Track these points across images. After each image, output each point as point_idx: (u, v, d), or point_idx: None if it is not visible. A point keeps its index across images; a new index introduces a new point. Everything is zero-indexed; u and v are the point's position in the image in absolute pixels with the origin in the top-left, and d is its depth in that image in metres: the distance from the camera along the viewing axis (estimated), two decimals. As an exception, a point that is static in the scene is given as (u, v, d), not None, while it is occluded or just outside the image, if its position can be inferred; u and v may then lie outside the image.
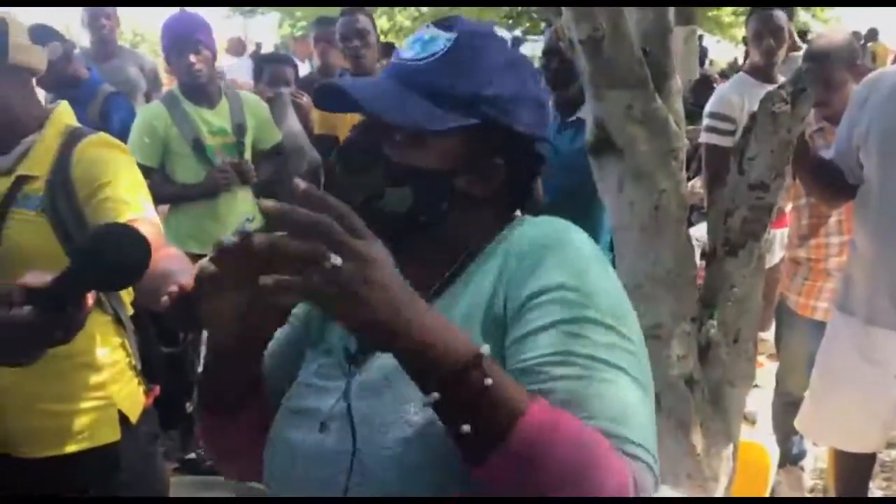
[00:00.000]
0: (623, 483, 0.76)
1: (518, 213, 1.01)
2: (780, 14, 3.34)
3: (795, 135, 2.03)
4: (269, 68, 3.75)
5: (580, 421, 0.77)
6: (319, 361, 0.99)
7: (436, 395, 0.74)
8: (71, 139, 1.60)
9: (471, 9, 14.70)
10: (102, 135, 1.65)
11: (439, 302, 0.92)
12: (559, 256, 0.87)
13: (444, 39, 0.93)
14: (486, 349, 0.75)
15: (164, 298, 1.00)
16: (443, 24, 0.95)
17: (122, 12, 4.48)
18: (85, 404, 1.61)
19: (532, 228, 0.95)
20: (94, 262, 0.90)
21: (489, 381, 0.73)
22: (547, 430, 0.74)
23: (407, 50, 0.95)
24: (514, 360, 0.84)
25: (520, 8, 14.41)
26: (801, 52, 3.31)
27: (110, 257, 0.90)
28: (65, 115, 1.67)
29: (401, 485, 0.83)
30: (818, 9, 17.81)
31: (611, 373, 0.81)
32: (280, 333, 1.06)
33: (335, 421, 0.90)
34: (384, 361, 0.89)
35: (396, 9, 16.73)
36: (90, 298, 0.97)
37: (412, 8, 17.56)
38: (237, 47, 11.89)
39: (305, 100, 3.58)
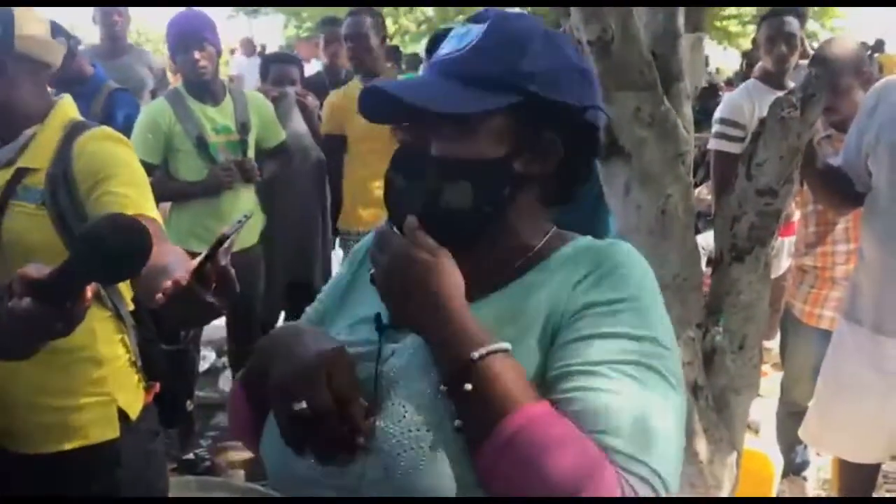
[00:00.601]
0: (607, 493, 0.76)
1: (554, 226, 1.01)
2: (792, 20, 3.32)
3: (804, 141, 2.01)
4: (275, 68, 3.75)
5: (577, 432, 0.79)
6: (346, 335, 0.99)
7: (443, 387, 0.84)
8: (73, 132, 1.58)
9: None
10: (104, 128, 1.63)
11: (495, 297, 0.93)
12: (623, 275, 0.90)
13: (476, 29, 0.94)
14: (485, 350, 0.82)
15: (159, 295, 0.99)
16: (475, 18, 0.97)
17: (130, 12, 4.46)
18: (84, 400, 1.60)
19: (603, 246, 0.95)
20: (95, 253, 0.89)
21: (468, 386, 0.81)
22: (529, 433, 0.78)
23: (444, 47, 0.96)
24: (556, 363, 0.86)
25: (528, 10, 14.43)
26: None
27: (112, 248, 0.88)
28: (68, 107, 1.66)
29: (419, 475, 0.82)
30: (826, 18, 17.86)
31: (645, 392, 0.82)
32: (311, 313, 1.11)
33: (364, 397, 0.89)
34: (415, 345, 0.91)
35: (401, 11, 16.75)
36: (90, 291, 0.96)
37: (418, 11, 17.58)
38: (248, 48, 11.98)
39: (310, 99, 3.57)
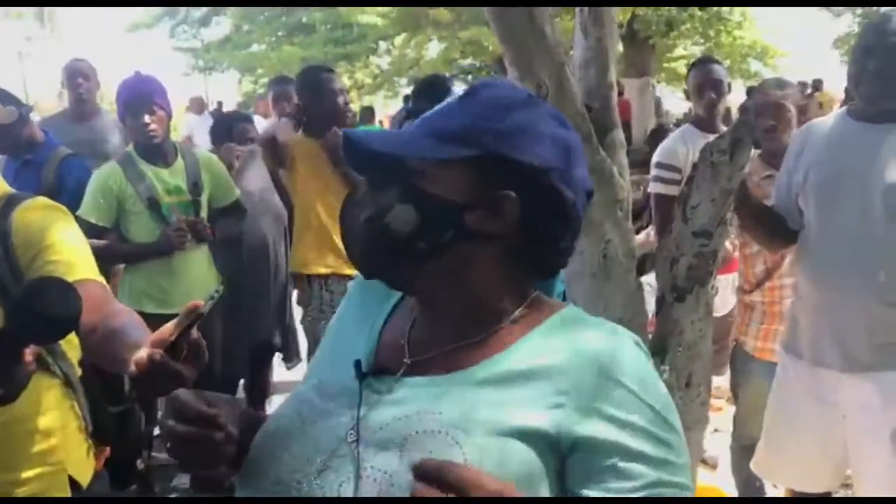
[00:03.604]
0: None
1: (538, 291, 1.02)
2: (719, 68, 3.49)
3: (736, 183, 2.09)
4: (237, 126, 3.82)
5: None
6: (324, 377, 1.01)
7: None
8: (7, 205, 1.57)
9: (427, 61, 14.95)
10: (40, 198, 1.63)
11: (474, 372, 0.92)
12: (633, 376, 0.90)
13: (455, 96, 1.00)
14: None
15: (132, 368, 1.02)
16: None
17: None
18: (34, 471, 1.57)
19: (591, 333, 0.95)
20: (23, 315, 0.92)
21: None
22: None
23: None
24: (601, 484, 0.85)
25: (478, 63, 14.76)
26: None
27: (39, 309, 0.91)
28: None
29: None
30: (768, 57, 18.44)
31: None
32: None
33: (337, 462, 0.89)
34: (403, 410, 0.90)
35: (357, 65, 16.98)
36: (29, 355, 0.98)
37: (373, 65, 17.85)
38: (198, 106, 12.02)
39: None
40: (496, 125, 0.94)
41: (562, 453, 0.87)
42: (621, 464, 0.85)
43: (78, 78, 4.18)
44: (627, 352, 0.93)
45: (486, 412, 0.87)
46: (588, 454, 0.86)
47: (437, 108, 1.00)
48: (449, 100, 1.01)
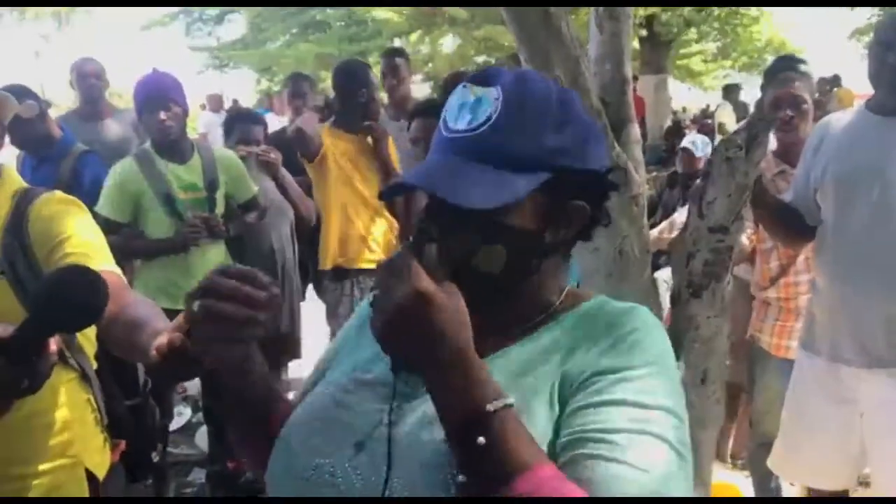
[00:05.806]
0: None
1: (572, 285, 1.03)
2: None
3: (751, 179, 2.08)
4: (239, 127, 3.77)
5: (584, 497, 0.77)
6: (359, 366, 1.02)
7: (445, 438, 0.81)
8: (24, 200, 1.58)
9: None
10: (56, 192, 1.64)
11: (507, 353, 0.94)
12: (638, 341, 0.90)
13: (491, 100, 0.92)
14: (500, 403, 0.78)
15: (153, 352, 1.02)
16: (480, 80, 0.94)
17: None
18: (51, 464, 1.58)
19: (619, 311, 0.96)
20: (51, 303, 0.92)
21: (482, 440, 0.77)
22: (539, 496, 0.76)
23: (458, 120, 0.93)
24: (567, 428, 0.84)
25: (493, 60, 14.73)
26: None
27: (66, 296, 0.92)
28: (13, 176, 1.66)
29: None
30: (785, 51, 18.34)
31: (655, 464, 0.80)
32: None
33: (373, 444, 0.90)
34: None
35: (371, 62, 16.97)
36: (53, 345, 0.98)
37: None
38: (216, 103, 12.05)
39: (273, 156, 3.60)
40: (557, 140, 0.92)
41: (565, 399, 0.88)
42: (601, 383, 0.86)
43: (89, 78, 4.20)
44: (639, 314, 0.95)
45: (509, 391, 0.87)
46: (583, 388, 0.87)
47: (469, 124, 0.92)
48: (476, 108, 0.92)
